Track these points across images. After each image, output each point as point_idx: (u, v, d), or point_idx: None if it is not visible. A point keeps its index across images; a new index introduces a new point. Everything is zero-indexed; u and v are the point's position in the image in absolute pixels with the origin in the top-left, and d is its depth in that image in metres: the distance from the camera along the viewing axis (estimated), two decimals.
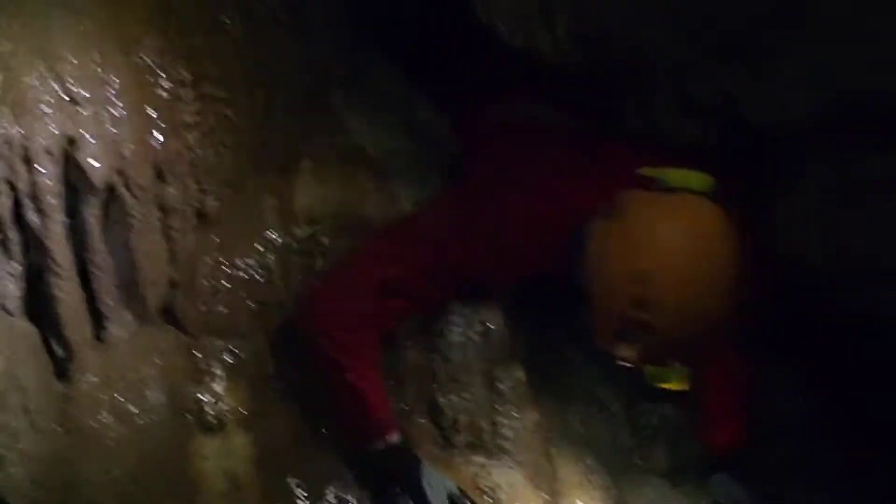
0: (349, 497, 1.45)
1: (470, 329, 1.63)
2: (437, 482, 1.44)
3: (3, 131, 1.22)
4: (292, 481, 1.43)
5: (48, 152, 1.27)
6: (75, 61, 1.28)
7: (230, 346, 1.50)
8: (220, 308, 1.50)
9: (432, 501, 1.41)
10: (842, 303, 1.68)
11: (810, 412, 1.98)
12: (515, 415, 1.62)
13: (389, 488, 1.43)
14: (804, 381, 1.98)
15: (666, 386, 1.48)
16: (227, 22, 1.52)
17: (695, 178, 1.36)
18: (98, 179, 1.32)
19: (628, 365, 1.44)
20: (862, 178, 1.33)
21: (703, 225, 1.33)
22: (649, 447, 1.98)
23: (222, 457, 1.43)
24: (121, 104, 1.33)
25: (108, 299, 1.42)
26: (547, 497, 1.61)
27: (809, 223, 1.44)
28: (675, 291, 1.29)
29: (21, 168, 1.25)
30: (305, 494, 1.43)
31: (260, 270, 1.53)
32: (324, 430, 1.51)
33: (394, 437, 1.45)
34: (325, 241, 1.59)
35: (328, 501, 1.42)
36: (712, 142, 1.56)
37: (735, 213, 1.38)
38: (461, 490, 1.48)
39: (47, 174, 1.28)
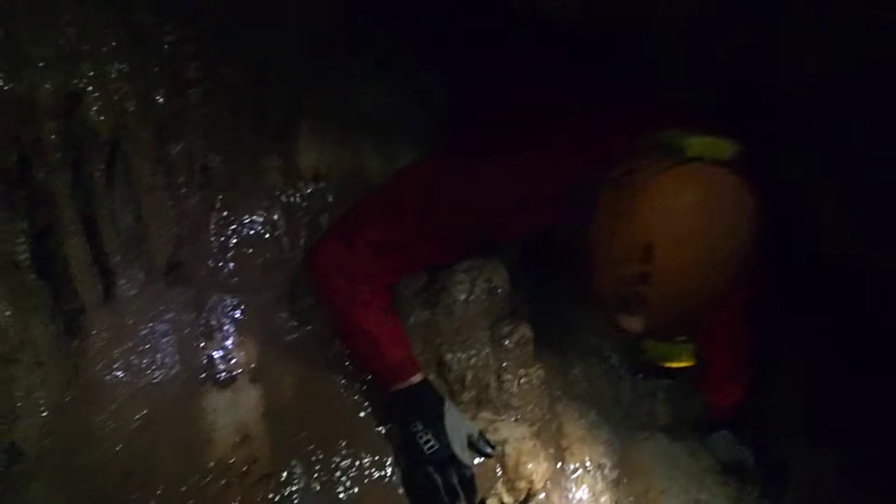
0: (359, 449, 1.47)
1: (475, 287, 1.64)
2: (457, 424, 1.47)
3: (7, 86, 1.22)
4: (302, 433, 1.45)
5: (53, 107, 1.27)
6: (79, 19, 1.27)
7: (237, 302, 1.52)
8: (228, 265, 1.51)
9: (452, 441, 1.44)
10: (845, 257, 1.70)
11: (815, 370, 2.00)
12: (521, 371, 1.64)
13: (412, 426, 1.45)
14: (810, 339, 2.00)
15: (673, 364, 1.37)
16: None
17: (711, 146, 1.25)
18: (102, 135, 1.32)
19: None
20: (864, 134, 1.32)
21: (713, 200, 1.24)
22: (650, 402, 2.01)
23: (232, 410, 1.44)
24: (123, 61, 1.32)
25: (116, 256, 1.44)
26: (552, 451, 1.64)
27: (818, 181, 1.43)
28: (679, 268, 1.24)
29: (27, 122, 1.26)
30: (314, 446, 1.45)
31: (266, 227, 1.54)
32: (333, 384, 1.53)
33: (415, 378, 1.48)
34: (329, 198, 1.59)
35: (339, 453, 1.44)
36: (718, 100, 1.55)
37: (755, 181, 1.29)
38: (480, 433, 1.51)
39: (52, 130, 1.28)
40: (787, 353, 2.02)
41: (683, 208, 1.23)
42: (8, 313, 1.29)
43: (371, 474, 1.46)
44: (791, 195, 1.59)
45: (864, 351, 1.88)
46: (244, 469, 1.39)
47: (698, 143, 1.25)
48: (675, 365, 1.36)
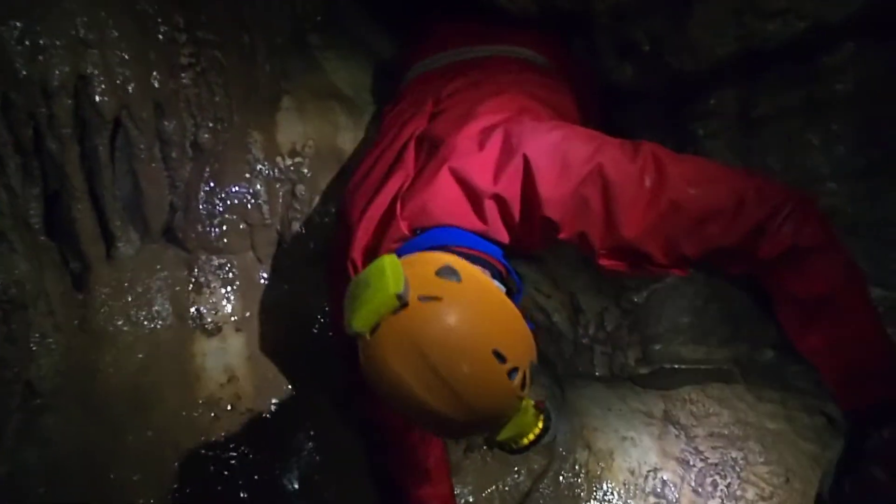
0: (332, 389, 1.70)
1: None
2: None
3: (24, 70, 1.39)
4: (280, 375, 1.67)
5: (63, 88, 1.44)
6: (88, 9, 1.43)
7: (224, 262, 1.71)
8: (215, 229, 1.70)
9: None
10: None
11: None
12: None
13: None
14: None
15: (529, 438, 1.15)
16: None
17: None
18: (106, 113, 1.49)
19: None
20: (762, 110, 1.53)
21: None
22: (589, 356, 2.27)
23: (220, 354, 1.66)
24: (125, 48, 1.49)
25: (117, 220, 1.62)
26: None
27: (721, 149, 1.64)
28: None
29: (41, 102, 1.43)
30: (290, 386, 1.67)
31: (248, 196, 1.72)
32: (306, 332, 1.74)
33: None
34: (305, 171, 1.78)
35: (313, 388, 1.66)
36: (646, 83, 1.75)
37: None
38: None
39: (63, 108, 1.45)
40: None
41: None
42: (25, 267, 1.47)
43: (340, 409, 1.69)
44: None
45: None
46: (230, 404, 1.61)
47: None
48: (531, 437, 1.15)
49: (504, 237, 1.29)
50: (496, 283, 1.20)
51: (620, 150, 1.23)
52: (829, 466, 1.14)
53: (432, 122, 1.44)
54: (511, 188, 1.24)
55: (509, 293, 1.23)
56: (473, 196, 1.26)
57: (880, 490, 1.02)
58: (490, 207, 1.26)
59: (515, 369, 1.08)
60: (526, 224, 1.27)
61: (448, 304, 1.05)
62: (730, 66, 1.49)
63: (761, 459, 2.00)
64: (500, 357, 1.06)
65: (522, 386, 1.10)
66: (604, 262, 1.25)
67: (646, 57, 1.58)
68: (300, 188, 1.77)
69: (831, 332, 1.13)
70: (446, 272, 1.09)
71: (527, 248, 1.36)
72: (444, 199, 1.27)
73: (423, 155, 1.37)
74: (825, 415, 1.99)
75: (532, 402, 1.15)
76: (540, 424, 1.15)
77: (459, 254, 1.19)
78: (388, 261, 1.08)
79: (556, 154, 1.22)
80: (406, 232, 1.30)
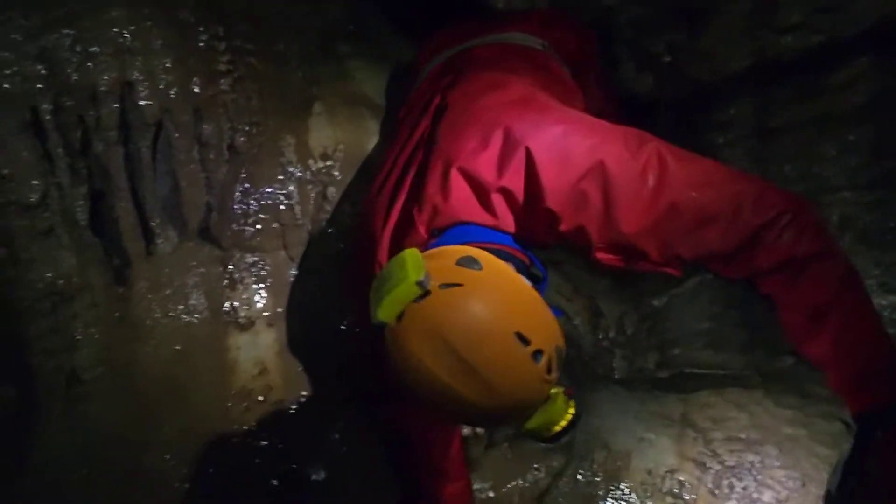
0: (356, 385, 1.76)
1: None
2: None
3: (75, 76, 1.48)
4: (309, 369, 1.74)
5: (110, 93, 1.53)
6: (133, 19, 1.52)
7: (257, 259, 1.79)
8: (249, 228, 1.77)
9: None
10: None
11: None
12: None
13: None
14: None
15: (560, 426, 1.15)
16: None
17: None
18: (149, 117, 1.58)
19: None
20: (778, 120, 1.58)
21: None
22: (609, 358, 2.31)
23: (252, 348, 1.73)
24: (167, 55, 1.57)
25: (156, 218, 1.70)
26: None
27: (739, 158, 1.68)
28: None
29: (89, 106, 1.51)
30: (319, 379, 1.74)
31: (281, 197, 1.79)
32: (334, 329, 1.81)
33: None
34: (336, 174, 1.85)
35: (339, 383, 1.73)
36: (665, 93, 1.80)
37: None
38: None
39: (110, 112, 1.54)
40: None
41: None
42: (72, 262, 1.56)
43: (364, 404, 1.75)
44: None
45: None
46: (262, 396, 1.68)
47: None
48: (562, 425, 1.16)
49: (512, 228, 1.32)
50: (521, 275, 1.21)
51: (624, 143, 1.23)
52: (837, 465, 1.17)
53: (437, 123, 1.46)
54: (515, 180, 1.26)
55: (535, 282, 1.24)
56: (481, 191, 1.29)
57: (876, 484, 1.05)
58: (497, 200, 1.29)
59: (540, 352, 1.07)
60: (531, 216, 1.29)
61: (468, 289, 1.08)
62: (747, 78, 1.53)
63: (778, 463, 2.02)
64: (523, 339, 1.06)
65: (549, 370, 1.09)
66: (599, 255, 1.26)
67: (665, 67, 1.63)
68: (331, 190, 1.83)
69: (834, 339, 1.15)
70: (467, 261, 1.12)
71: (535, 240, 1.37)
72: (455, 199, 1.30)
73: (431, 157, 1.39)
74: (843, 421, 2.00)
75: (562, 390, 1.15)
76: (571, 412, 1.15)
77: (481, 248, 1.22)
78: (409, 253, 1.11)
79: (558, 147, 1.23)
80: (425, 236, 1.33)
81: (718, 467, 2.06)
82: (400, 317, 1.09)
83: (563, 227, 1.25)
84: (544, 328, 1.11)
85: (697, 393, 2.21)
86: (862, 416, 1.15)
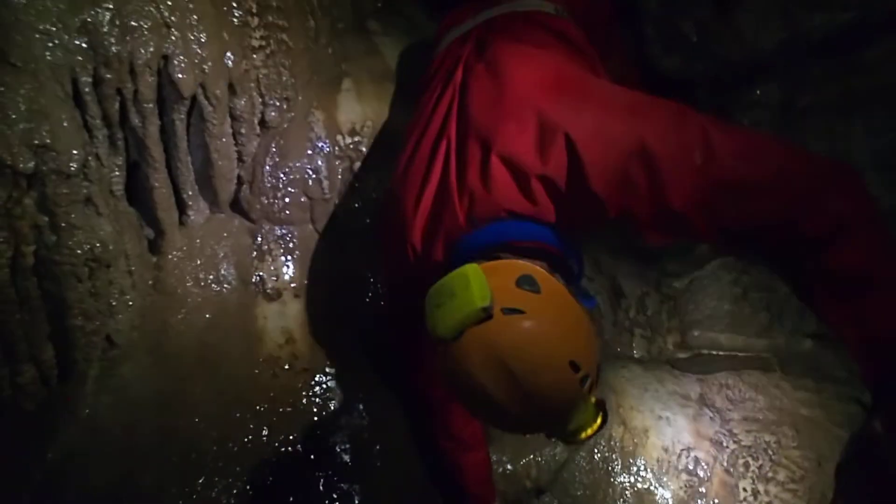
0: (380, 355, 1.81)
1: None
2: None
3: (115, 49, 1.52)
4: (334, 338, 1.79)
5: (147, 67, 1.56)
6: None
7: (285, 232, 1.83)
8: (278, 201, 1.82)
9: None
10: None
11: None
12: None
13: None
14: None
15: (591, 431, 1.22)
16: None
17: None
18: (184, 90, 1.62)
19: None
20: (805, 101, 1.58)
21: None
22: (628, 338, 2.34)
23: (279, 318, 1.78)
24: (202, 30, 1.61)
25: (189, 190, 1.75)
26: None
27: None
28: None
29: (127, 79, 1.56)
30: (343, 349, 1.79)
31: (310, 171, 1.84)
32: (359, 299, 1.86)
33: None
34: (363, 149, 1.89)
35: (363, 353, 1.78)
36: (692, 71, 1.80)
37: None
38: None
39: (147, 85, 1.58)
40: None
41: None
42: (109, 230, 1.60)
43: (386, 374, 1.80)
44: None
45: None
46: (288, 364, 1.74)
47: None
48: (589, 432, 1.21)
49: (552, 217, 1.32)
50: (558, 276, 1.24)
51: (665, 118, 1.22)
52: (851, 438, 1.19)
53: (464, 98, 1.45)
54: (557, 168, 1.27)
55: (570, 275, 1.29)
56: (522, 177, 1.30)
57: (879, 442, 1.07)
58: (537, 188, 1.29)
59: (587, 376, 1.16)
60: (572, 203, 1.29)
61: (530, 317, 1.14)
62: (775, 56, 1.54)
63: (794, 444, 2.05)
64: (576, 367, 1.13)
65: (591, 390, 1.18)
66: (650, 236, 1.28)
67: (693, 46, 1.64)
68: (358, 165, 1.87)
69: (865, 306, 1.13)
70: (526, 282, 1.17)
71: (574, 227, 1.37)
72: (495, 188, 1.31)
73: (467, 139, 1.38)
74: (860, 403, 2.02)
75: (594, 400, 1.21)
76: (599, 420, 1.21)
77: (520, 249, 1.26)
78: (472, 271, 1.16)
79: (599, 131, 1.24)
80: (463, 224, 1.35)
81: (734, 446, 2.09)
82: (459, 334, 1.15)
83: (610, 211, 1.26)
84: (592, 354, 1.18)
85: (716, 374, 2.24)
86: (877, 385, 1.13)
